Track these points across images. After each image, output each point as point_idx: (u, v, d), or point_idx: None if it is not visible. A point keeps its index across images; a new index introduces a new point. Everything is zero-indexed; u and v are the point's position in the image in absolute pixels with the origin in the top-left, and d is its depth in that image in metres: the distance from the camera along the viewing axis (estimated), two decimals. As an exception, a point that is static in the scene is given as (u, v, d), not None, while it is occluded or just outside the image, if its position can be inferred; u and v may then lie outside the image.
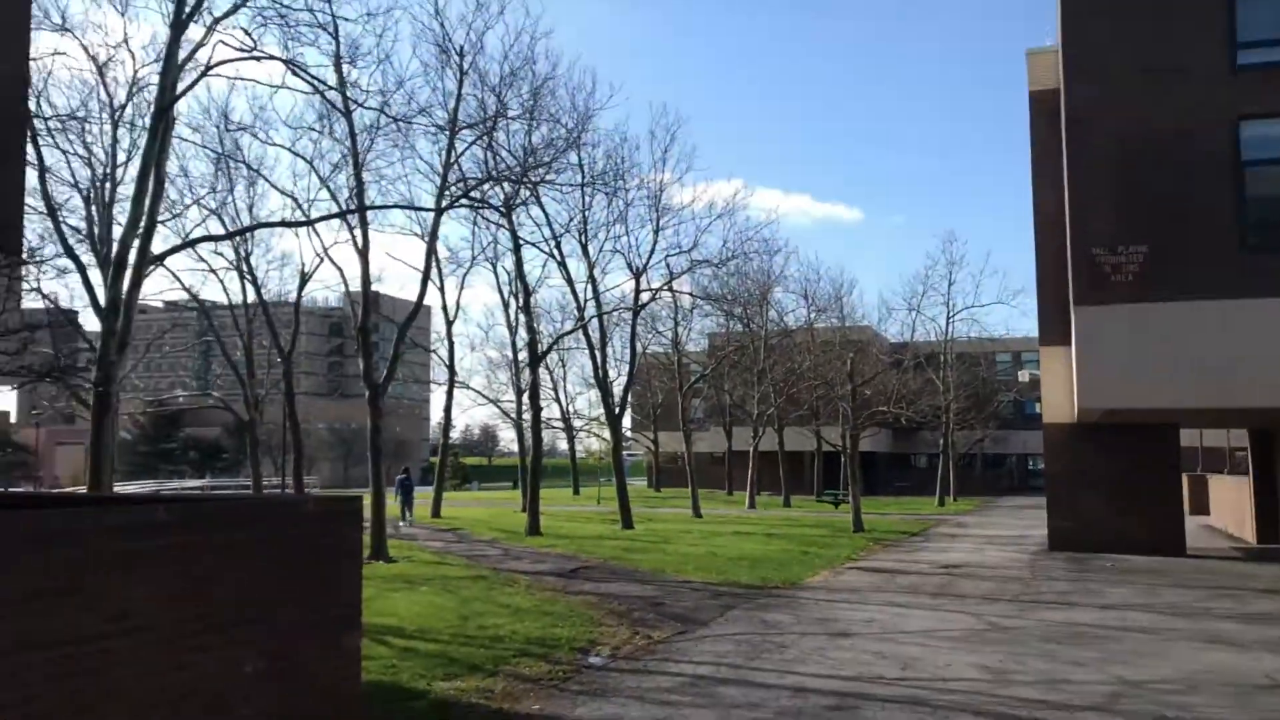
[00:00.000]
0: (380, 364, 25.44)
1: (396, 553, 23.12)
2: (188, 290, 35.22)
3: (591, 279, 33.18)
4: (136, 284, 17.50)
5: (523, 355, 40.20)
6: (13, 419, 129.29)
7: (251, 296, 34.63)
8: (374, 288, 24.64)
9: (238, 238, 33.28)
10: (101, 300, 17.29)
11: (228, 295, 35.81)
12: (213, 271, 34.47)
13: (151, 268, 18.09)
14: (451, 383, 38.90)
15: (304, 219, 24.82)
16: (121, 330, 17.10)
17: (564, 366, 61.77)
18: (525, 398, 38.84)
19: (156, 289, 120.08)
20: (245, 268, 33.14)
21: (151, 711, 5.72)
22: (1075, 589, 18.23)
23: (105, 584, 5.53)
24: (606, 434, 44.95)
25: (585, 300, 33.75)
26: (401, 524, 31.63)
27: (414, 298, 24.86)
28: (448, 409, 39.58)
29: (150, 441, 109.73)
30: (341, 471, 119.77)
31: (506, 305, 41.89)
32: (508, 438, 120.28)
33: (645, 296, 35.79)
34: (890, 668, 11.10)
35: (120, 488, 57.07)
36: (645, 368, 66.09)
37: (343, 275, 28.37)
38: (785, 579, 19.24)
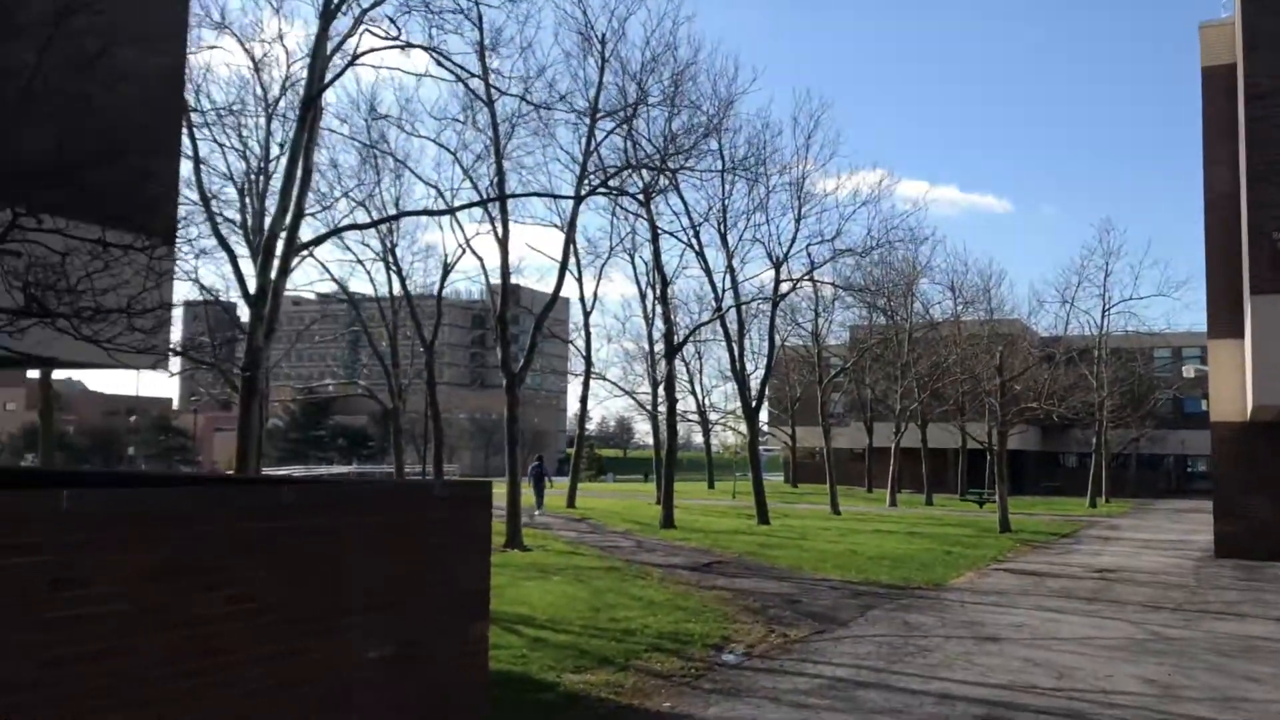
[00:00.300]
0: (518, 354, 25.61)
1: (531, 541, 23.18)
2: (336, 281, 36.28)
3: (730, 269, 32.75)
4: (284, 271, 17.91)
5: (659, 347, 40.01)
6: (174, 405, 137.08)
7: (397, 288, 35.43)
8: (513, 280, 24.81)
9: (383, 229, 34.10)
10: (251, 288, 17.75)
11: (374, 286, 36.79)
12: (360, 263, 35.44)
13: (299, 256, 18.51)
14: (588, 374, 39.03)
15: (446, 207, 25.09)
16: (269, 317, 17.51)
17: (700, 359, 61.30)
18: (661, 390, 38.68)
19: (306, 280, 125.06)
20: (390, 259, 33.89)
21: (269, 696, 5.61)
22: (1246, 599, 16.94)
23: (226, 564, 5.43)
24: (743, 428, 44.42)
25: (723, 291, 33.34)
26: (536, 513, 31.84)
27: (552, 290, 24.87)
28: (584, 400, 39.72)
29: (300, 428, 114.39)
30: (482, 460, 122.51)
31: (644, 296, 41.83)
32: (643, 430, 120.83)
33: (785, 287, 35.17)
34: (1044, 676, 10.39)
35: (271, 472, 59.59)
36: (784, 361, 65.09)
37: (483, 266, 28.43)
38: (928, 579, 18.47)
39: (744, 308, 35.43)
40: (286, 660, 5.74)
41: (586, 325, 38.74)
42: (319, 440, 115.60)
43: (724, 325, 34.30)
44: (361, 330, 41.66)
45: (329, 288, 40.11)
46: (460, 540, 7.02)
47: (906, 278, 47.00)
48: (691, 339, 56.07)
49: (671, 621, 13.11)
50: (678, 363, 65.13)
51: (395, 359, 38.99)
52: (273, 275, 17.65)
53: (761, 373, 36.27)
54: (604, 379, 49.28)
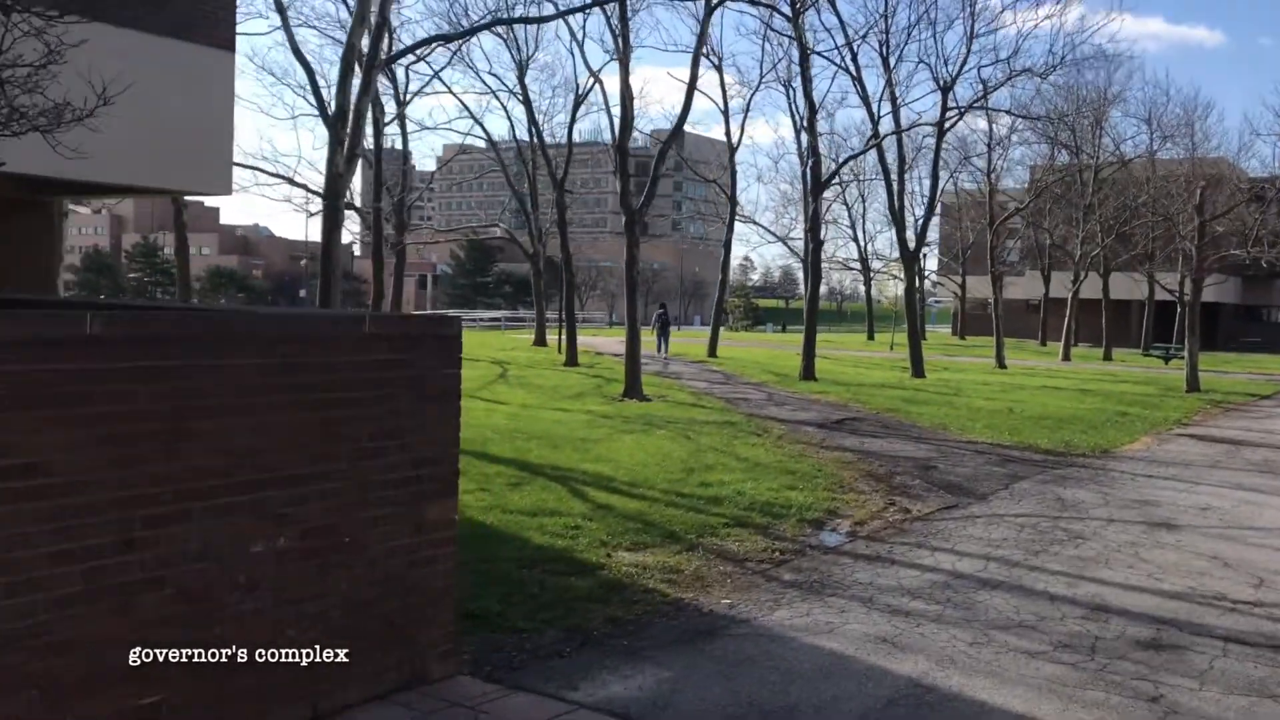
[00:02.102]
0: (682, 199, 23.48)
1: (654, 391, 21.52)
2: (472, 116, 34.52)
3: (890, 92, 29.21)
4: (366, 89, 16.18)
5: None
6: (356, 251, 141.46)
7: (534, 128, 33.51)
8: (668, 126, 22.42)
9: (517, 61, 32.13)
10: (330, 108, 16.10)
11: (511, 124, 34.95)
12: (495, 95, 33.61)
13: (379, 71, 16.74)
14: (732, 215, 36.36)
15: (554, 12, 22.47)
16: (351, 139, 15.88)
17: (864, 201, 57.65)
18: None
19: (445, 119, 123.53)
20: (521, 89, 31.88)
21: (84, 607, 3.96)
22: None
23: (-14, 422, 3.72)
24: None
25: (880, 118, 29.93)
26: (662, 357, 31.93)
27: (711, 134, 22.43)
28: (727, 244, 37.15)
29: (468, 274, 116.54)
30: (641, 309, 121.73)
31: (798, 131, 38.56)
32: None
33: (954, 116, 31.33)
34: (1236, 583, 8.00)
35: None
36: (956, 206, 60.62)
37: (604, 93, 25.84)
38: (1094, 445, 15.86)
39: (909, 142, 32.07)
40: (110, 558, 4.07)
41: (732, 162, 35.88)
42: (485, 287, 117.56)
43: (882, 158, 31.03)
44: (500, 169, 40.06)
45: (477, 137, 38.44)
46: (408, 394, 5.15)
47: (1095, 108, 42.01)
48: (854, 180, 52.51)
49: (773, 488, 11.16)
50: (839, 207, 61.58)
51: (534, 201, 37.49)
52: (352, 95, 15.94)
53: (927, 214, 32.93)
54: (753, 222, 46.46)
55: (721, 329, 47.13)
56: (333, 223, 15.82)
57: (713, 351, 35.17)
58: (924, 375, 28.87)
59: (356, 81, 16.00)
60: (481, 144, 53.44)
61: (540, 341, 38.90)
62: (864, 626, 6.59)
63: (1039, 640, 6.42)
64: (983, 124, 41.83)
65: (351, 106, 15.93)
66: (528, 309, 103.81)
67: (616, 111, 22.81)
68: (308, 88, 17.49)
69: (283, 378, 4.67)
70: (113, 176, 11.43)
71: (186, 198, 31.56)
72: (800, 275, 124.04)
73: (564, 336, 30.68)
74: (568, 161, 31.11)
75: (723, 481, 11.43)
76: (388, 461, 5.06)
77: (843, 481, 11.98)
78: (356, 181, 36.92)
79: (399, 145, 36.88)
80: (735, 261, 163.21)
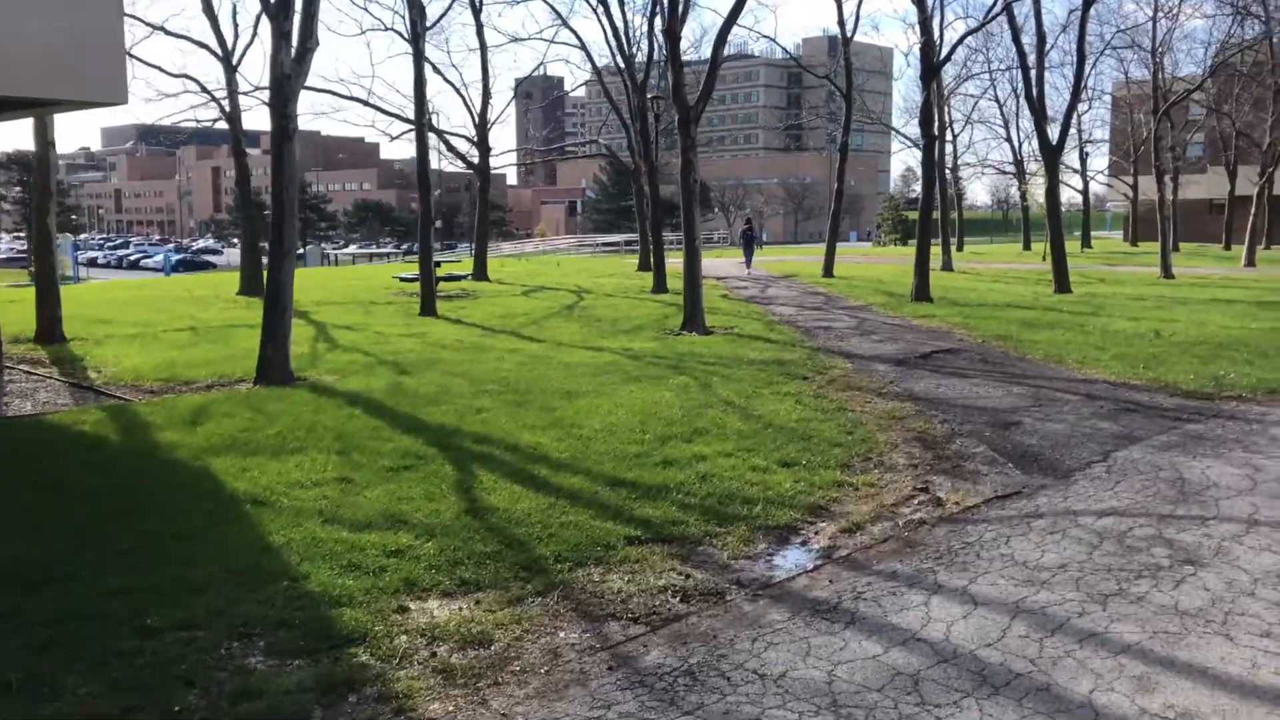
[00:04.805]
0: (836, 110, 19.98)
1: (724, 321, 18.38)
2: (555, 11, 31.35)
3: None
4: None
5: (966, 84, 32.02)
6: (510, 180, 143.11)
7: (616, 25, 30.20)
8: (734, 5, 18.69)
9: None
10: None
11: (603, 29, 31.29)
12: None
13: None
14: (848, 116, 31.94)
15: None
16: (300, 37, 13.14)
17: (1017, 97, 51.37)
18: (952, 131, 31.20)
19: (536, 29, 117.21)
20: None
21: None
22: None
23: None
24: (1074, 181, 36.10)
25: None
26: (747, 271, 33.51)
27: (875, 41, 18.77)
28: (843, 147, 32.56)
29: (611, 199, 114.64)
30: (792, 226, 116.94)
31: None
32: (976, 190, 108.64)
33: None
34: None
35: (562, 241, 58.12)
36: (1125, 99, 54.08)
37: None
38: (1255, 383, 11.72)
39: (1053, 22, 27.16)
40: None
41: (846, 54, 31.42)
42: (629, 210, 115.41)
43: (1016, 37, 26.32)
44: (598, 83, 36.87)
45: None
46: None
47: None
48: (1005, 70, 46.91)
49: (759, 467, 7.97)
50: (988, 103, 55.77)
51: (634, 114, 34.27)
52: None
53: (1084, 104, 28.15)
54: (881, 124, 41.62)
55: (869, 244, 42.33)
56: (282, 134, 13.16)
57: (828, 271, 31.35)
58: (1069, 290, 24.63)
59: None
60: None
61: (645, 266, 35.97)
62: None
63: None
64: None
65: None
66: (675, 230, 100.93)
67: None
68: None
69: None
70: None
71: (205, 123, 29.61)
72: (968, 186, 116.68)
73: (652, 261, 27.59)
74: (648, 65, 27.66)
75: (699, 456, 8.31)
76: None
77: (872, 450, 8.66)
78: (510, 116, 34.20)
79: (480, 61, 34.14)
80: (896, 172, 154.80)
